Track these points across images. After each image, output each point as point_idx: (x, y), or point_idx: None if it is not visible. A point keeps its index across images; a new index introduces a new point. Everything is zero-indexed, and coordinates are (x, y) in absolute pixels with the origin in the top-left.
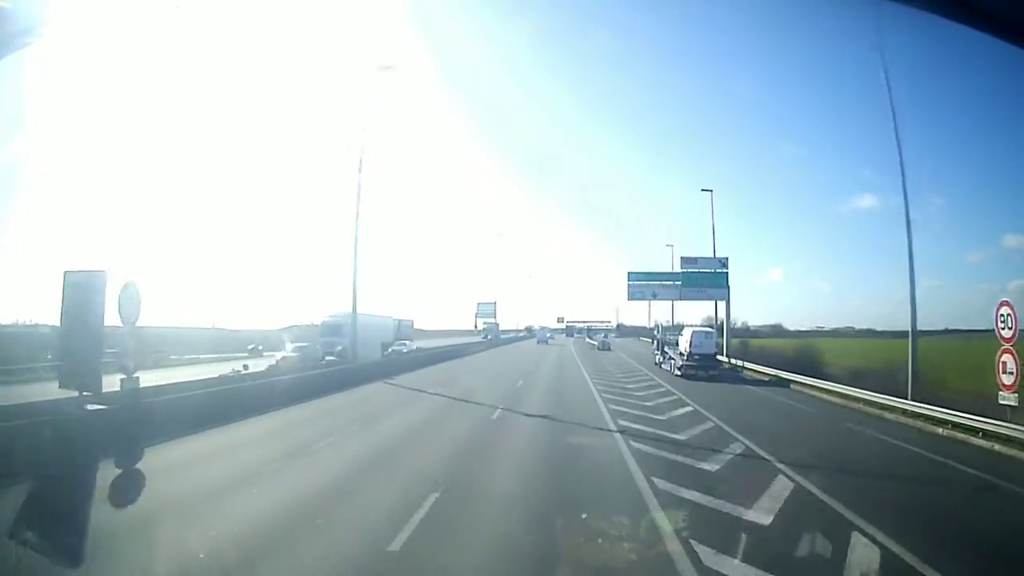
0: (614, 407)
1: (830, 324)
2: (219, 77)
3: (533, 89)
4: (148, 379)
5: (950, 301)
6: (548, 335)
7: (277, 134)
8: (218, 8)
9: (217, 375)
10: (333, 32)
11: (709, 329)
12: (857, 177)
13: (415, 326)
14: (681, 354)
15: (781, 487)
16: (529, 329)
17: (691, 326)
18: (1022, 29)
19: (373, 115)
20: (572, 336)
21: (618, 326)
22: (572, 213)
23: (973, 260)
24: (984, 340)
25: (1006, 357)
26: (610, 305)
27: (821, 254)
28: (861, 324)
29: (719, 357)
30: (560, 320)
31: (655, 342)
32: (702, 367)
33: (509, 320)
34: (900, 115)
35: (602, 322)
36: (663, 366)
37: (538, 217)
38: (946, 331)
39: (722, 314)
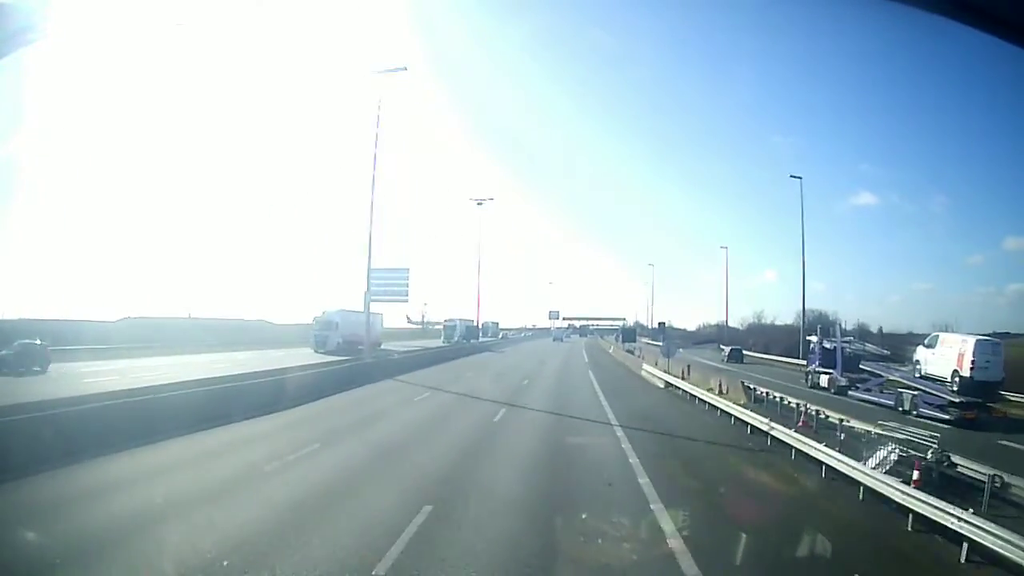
0: None
1: None
2: (219, 77)
3: (525, 83)
4: None
5: (947, 303)
6: (565, 334)
7: (276, 135)
8: (221, 9)
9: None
10: (331, 32)
11: (996, 340)
12: (856, 175)
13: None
14: (938, 379)
15: None
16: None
17: (963, 334)
18: (1022, 29)
19: (373, 117)
20: (585, 336)
21: (660, 327)
22: (568, 211)
23: (972, 263)
24: None
25: None
26: (611, 302)
27: (817, 254)
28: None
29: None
30: (555, 316)
31: (815, 353)
32: (983, 407)
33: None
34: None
35: (611, 320)
36: (850, 392)
37: (530, 213)
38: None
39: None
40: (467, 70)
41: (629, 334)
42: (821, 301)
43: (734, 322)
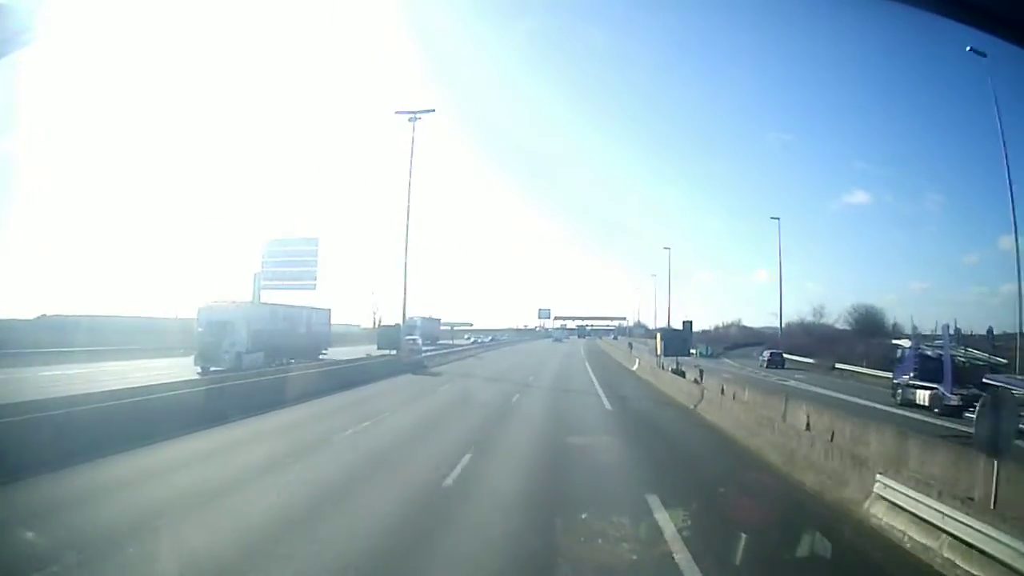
0: None
1: None
2: (217, 74)
3: (520, 82)
4: None
5: (943, 303)
6: (563, 335)
7: (275, 135)
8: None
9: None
10: (328, 38)
11: None
12: (850, 173)
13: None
14: None
15: None
16: None
17: None
18: (1021, 28)
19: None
20: (583, 337)
21: (686, 327)
22: (562, 207)
23: (969, 262)
24: None
25: None
26: (605, 301)
27: (811, 252)
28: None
29: None
30: (546, 315)
31: (907, 362)
32: None
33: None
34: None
35: (607, 319)
36: (966, 414)
37: (524, 211)
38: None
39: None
40: (464, 70)
41: (673, 340)
42: (818, 300)
43: (763, 321)
